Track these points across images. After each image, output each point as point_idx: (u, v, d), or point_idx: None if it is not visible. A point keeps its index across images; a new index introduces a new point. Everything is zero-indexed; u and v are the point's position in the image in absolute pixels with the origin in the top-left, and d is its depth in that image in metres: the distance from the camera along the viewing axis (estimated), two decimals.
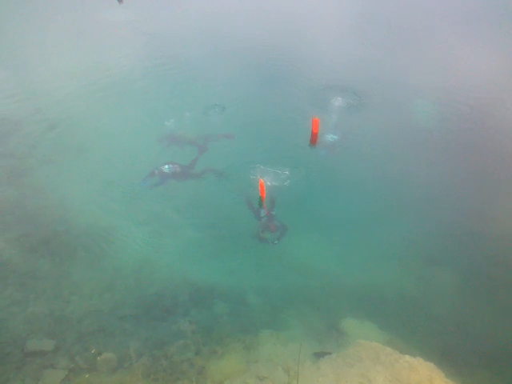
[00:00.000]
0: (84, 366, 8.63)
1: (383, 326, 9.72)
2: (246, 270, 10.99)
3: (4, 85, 16.66)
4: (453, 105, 16.63)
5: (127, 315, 9.64)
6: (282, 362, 8.88)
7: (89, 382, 8.37)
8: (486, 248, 11.46)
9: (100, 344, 9.02)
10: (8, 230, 11.31)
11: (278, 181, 12.96)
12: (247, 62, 19.33)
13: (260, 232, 11.57)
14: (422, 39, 21.47)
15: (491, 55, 19.72)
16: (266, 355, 9.01)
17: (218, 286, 10.53)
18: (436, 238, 11.85)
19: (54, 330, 9.23)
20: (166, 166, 13.25)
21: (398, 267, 11.17)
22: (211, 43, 20.56)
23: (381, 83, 17.94)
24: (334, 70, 18.74)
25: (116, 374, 8.50)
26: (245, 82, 18.13)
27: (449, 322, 9.92)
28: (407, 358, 8.76)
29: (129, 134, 14.49)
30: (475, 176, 13.64)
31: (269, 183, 12.73)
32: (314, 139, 14.80)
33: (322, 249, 11.50)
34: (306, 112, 15.42)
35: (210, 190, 12.92)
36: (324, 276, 10.91)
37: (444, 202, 12.78)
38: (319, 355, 8.99)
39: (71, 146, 14.19)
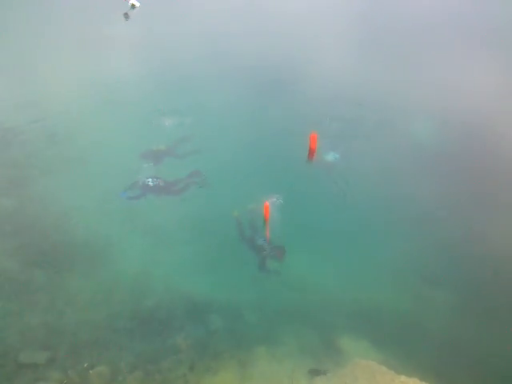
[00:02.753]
0: (76, 380, 8.53)
1: (379, 345, 9.66)
2: (242, 286, 10.95)
3: (6, 94, 16.76)
4: (456, 123, 16.70)
5: (122, 328, 9.57)
6: (277, 379, 8.82)
7: None
8: (484, 268, 11.43)
9: (93, 357, 8.94)
10: (5, 239, 11.29)
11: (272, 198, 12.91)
12: (247, 76, 19.50)
13: (263, 262, 11.30)
14: (429, 55, 21.61)
15: (499, 73, 19.82)
16: (260, 372, 8.95)
17: (214, 301, 10.47)
18: (434, 257, 11.84)
19: (48, 342, 9.17)
20: (150, 180, 13.20)
21: (395, 286, 11.15)
22: (212, 55, 20.79)
23: (384, 100, 18.03)
24: (336, 85, 18.86)
25: None
26: (240, 93, 18.29)
27: (445, 342, 9.86)
28: (403, 378, 8.71)
29: (128, 147, 14.52)
30: (475, 196, 13.66)
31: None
32: (311, 155, 14.80)
33: (319, 266, 11.48)
34: (303, 128, 15.40)
35: (201, 203, 12.91)
36: (320, 293, 10.87)
37: (443, 222, 12.79)
38: (314, 373, 8.92)
39: (71, 156, 14.20)
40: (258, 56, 20.82)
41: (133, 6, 23.72)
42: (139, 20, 23.49)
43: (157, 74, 19.11)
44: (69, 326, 9.54)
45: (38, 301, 10.02)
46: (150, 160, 14.00)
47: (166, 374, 8.75)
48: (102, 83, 18.02)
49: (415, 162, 14.98)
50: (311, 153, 14.75)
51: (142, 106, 16.97)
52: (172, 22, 23.65)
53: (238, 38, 22.40)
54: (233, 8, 26.21)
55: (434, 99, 18.00)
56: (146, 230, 12.06)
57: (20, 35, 21.31)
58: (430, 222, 12.80)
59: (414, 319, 10.37)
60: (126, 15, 23.48)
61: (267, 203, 11.98)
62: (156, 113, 16.40)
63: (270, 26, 24.34)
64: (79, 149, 14.60)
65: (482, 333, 9.97)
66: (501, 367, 9.28)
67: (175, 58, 20.49)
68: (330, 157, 14.80)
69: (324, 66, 20.11)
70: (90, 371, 8.71)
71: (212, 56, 20.89)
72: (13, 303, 9.85)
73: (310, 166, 14.86)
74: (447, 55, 21.45)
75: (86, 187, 13.17)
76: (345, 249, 12.00)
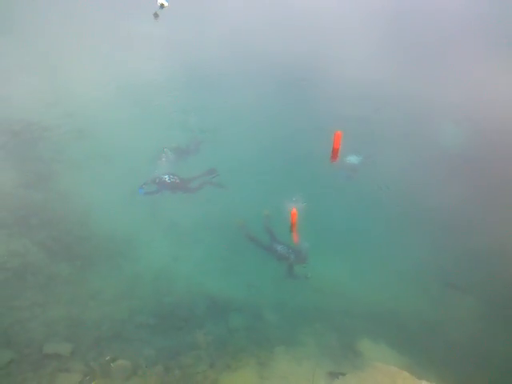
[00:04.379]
0: (98, 372, 8.68)
1: (401, 350, 9.53)
2: (262, 286, 10.96)
3: (35, 90, 17.13)
4: (485, 129, 16.38)
5: (143, 323, 9.68)
6: (296, 380, 8.79)
7: None
8: (510, 275, 11.19)
9: (115, 350, 9.07)
10: (32, 232, 11.53)
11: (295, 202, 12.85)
12: (271, 74, 19.51)
13: (290, 269, 11.16)
14: (463, 57, 21.22)
15: None
16: (279, 372, 8.92)
17: (234, 300, 10.51)
18: (459, 263, 11.64)
19: (71, 334, 9.32)
20: (167, 176, 13.30)
21: (419, 291, 10.99)
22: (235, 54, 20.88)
23: (411, 102, 17.80)
24: (361, 85, 18.70)
25: (130, 381, 8.53)
26: (264, 92, 18.31)
27: (469, 351, 9.69)
28: (424, 383, 8.57)
29: (150, 144, 14.68)
30: (502, 203, 13.36)
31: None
32: (335, 155, 14.64)
33: (341, 268, 11.38)
34: (326, 127, 15.32)
35: (219, 202, 12.99)
36: (341, 296, 10.80)
37: (469, 227, 12.57)
38: (334, 375, 8.86)
39: (95, 152, 14.44)
40: (282, 54, 20.80)
41: (162, 5, 23.97)
42: (168, 19, 23.71)
43: (182, 72, 19.31)
44: (92, 320, 9.69)
45: (63, 294, 10.22)
46: (169, 157, 14.09)
47: (186, 370, 8.80)
48: (128, 81, 18.28)
49: (441, 167, 14.74)
50: (335, 153, 14.61)
51: (165, 104, 17.15)
52: (200, 20, 23.85)
53: (264, 36, 22.42)
54: (260, 6, 26.35)
55: (464, 103, 17.69)
56: (167, 227, 12.19)
57: (48, 33, 21.77)
58: (456, 227, 12.60)
59: (437, 325, 10.21)
60: (156, 14, 23.77)
61: (294, 208, 11.88)
62: (179, 110, 16.58)
63: (295, 24, 24.35)
64: (103, 145, 14.84)
65: (508, 342, 9.75)
66: None
67: (201, 56, 20.63)
68: (354, 158, 14.64)
69: (350, 65, 19.98)
70: (112, 364, 8.83)
71: (237, 54, 21.02)
72: (38, 295, 10.06)
73: (333, 167, 14.77)
74: (481, 56, 21.02)
75: (110, 183, 13.39)
76: (367, 252, 11.88)
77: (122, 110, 16.64)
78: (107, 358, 8.94)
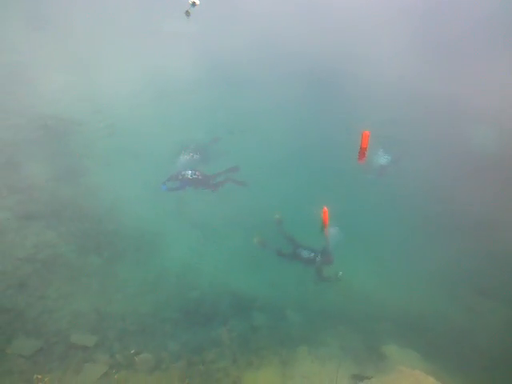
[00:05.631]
0: (123, 364, 8.79)
1: (427, 356, 9.32)
2: (286, 285, 10.91)
3: (68, 86, 17.54)
4: None
5: (168, 317, 9.77)
6: (319, 380, 8.70)
7: (126, 381, 8.51)
8: None
9: (140, 344, 9.18)
10: (63, 225, 11.79)
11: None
12: (300, 73, 19.46)
13: (319, 271, 11.03)
14: (501, 58, 20.72)
15: None
16: (302, 372, 8.86)
17: (258, 298, 10.49)
18: (489, 269, 11.31)
19: (98, 326, 9.48)
20: (190, 172, 13.34)
21: (447, 296, 10.75)
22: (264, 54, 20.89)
23: (442, 103, 17.47)
24: (392, 86, 18.46)
25: (153, 374, 8.61)
26: (292, 91, 18.23)
27: (498, 358, 9.39)
28: None
29: (177, 140, 14.83)
30: None
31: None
32: (362, 155, 14.44)
33: (367, 271, 11.21)
34: (354, 128, 15.16)
35: (242, 200, 13.03)
36: (367, 299, 10.61)
37: (500, 232, 12.19)
38: (358, 378, 8.74)
39: (125, 148, 14.71)
40: (310, 54, 20.74)
41: (193, 3, 24.22)
42: (199, 18, 23.93)
43: (211, 70, 19.45)
44: (117, 312, 9.83)
45: (90, 286, 10.40)
46: (192, 153, 14.18)
47: (209, 366, 8.83)
48: (158, 78, 18.55)
49: (472, 169, 14.38)
50: (362, 152, 14.41)
51: (193, 102, 17.31)
52: (230, 19, 24.02)
53: (293, 36, 22.39)
54: (291, 5, 26.32)
55: (498, 106, 17.22)
56: (192, 223, 12.27)
57: (81, 30, 22.26)
58: (487, 233, 12.25)
59: (466, 332, 9.95)
60: (187, 13, 24.03)
61: (326, 209, 11.78)
62: (206, 108, 16.68)
63: (325, 24, 24.23)
64: (132, 140, 15.12)
65: None
66: None
67: (230, 54, 20.75)
68: (382, 159, 14.42)
69: (380, 66, 19.74)
70: (136, 357, 8.94)
71: (265, 53, 21.06)
72: (67, 287, 10.27)
73: (360, 167, 14.58)
74: None
75: (137, 178, 13.58)
76: (394, 256, 11.69)
77: (151, 106, 16.91)
78: (132, 351, 9.05)
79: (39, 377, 8.39)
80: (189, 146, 14.41)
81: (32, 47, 20.35)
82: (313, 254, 11.18)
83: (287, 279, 11.05)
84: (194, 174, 13.32)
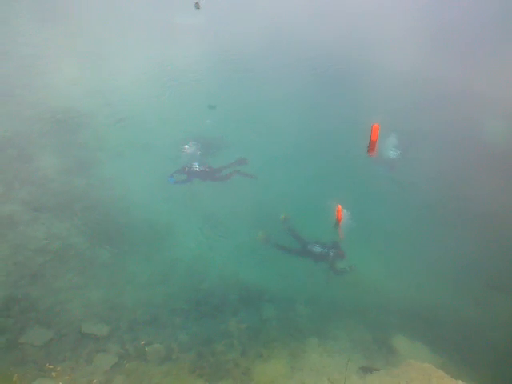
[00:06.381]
0: (133, 355, 8.89)
1: (436, 349, 9.32)
2: (296, 277, 10.92)
3: (79, 80, 17.61)
4: None
5: (178, 309, 9.85)
6: (328, 373, 8.73)
7: (136, 371, 8.61)
8: None
9: (150, 334, 9.27)
10: (75, 217, 11.90)
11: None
12: (310, 66, 19.34)
13: (332, 265, 10.98)
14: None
15: None
16: (311, 364, 8.90)
17: (268, 291, 10.51)
18: (499, 262, 11.23)
19: (109, 317, 9.59)
20: (197, 165, 13.32)
21: (457, 290, 10.68)
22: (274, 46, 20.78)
23: (453, 96, 17.28)
24: (402, 79, 18.28)
25: (163, 365, 8.69)
26: (302, 84, 18.14)
27: (508, 353, 9.33)
28: (460, 383, 8.34)
29: (186, 133, 14.87)
30: None
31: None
32: (372, 148, 14.35)
33: (377, 265, 11.17)
34: (364, 121, 15.05)
35: (251, 193, 13.04)
36: (377, 292, 10.60)
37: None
38: (367, 370, 8.75)
39: (137, 141, 14.77)
40: (319, 46, 20.61)
41: None
42: (209, 10, 23.86)
43: (221, 62, 19.41)
44: (128, 303, 9.93)
45: (101, 277, 10.50)
46: (201, 145, 14.22)
47: (218, 357, 8.90)
48: (169, 70, 18.58)
49: (484, 163, 14.22)
50: (372, 145, 14.33)
51: (202, 95, 17.34)
52: (239, 11, 23.90)
53: (302, 28, 22.25)
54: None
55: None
56: (202, 215, 12.31)
57: (93, 23, 22.32)
58: (497, 227, 12.13)
59: (476, 326, 9.90)
60: (197, 5, 23.97)
61: (340, 207, 11.76)
62: (215, 101, 16.69)
63: (334, 15, 24.04)
64: (142, 133, 15.18)
65: None
66: None
67: (240, 46, 20.69)
68: (391, 153, 14.32)
69: (392, 58, 19.54)
70: (146, 348, 9.03)
71: (274, 46, 20.95)
72: (79, 277, 10.38)
73: (370, 160, 14.50)
74: None
75: (148, 170, 13.65)
76: (404, 249, 11.62)
77: (161, 99, 16.95)
78: (142, 342, 9.14)
79: (51, 366, 8.51)
80: (197, 138, 14.41)
81: (45, 40, 20.48)
82: (325, 250, 11.14)
83: (297, 271, 11.05)
84: (202, 167, 13.34)
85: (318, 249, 11.22)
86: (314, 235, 11.54)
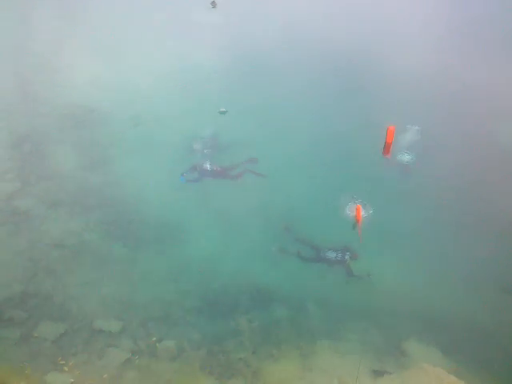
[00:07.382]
0: (145, 351, 8.95)
1: (449, 353, 9.19)
2: (308, 278, 10.87)
3: (93, 77, 17.75)
4: None
5: (190, 307, 9.89)
6: (339, 374, 8.69)
7: (148, 367, 8.66)
8: None
9: (162, 331, 9.33)
10: (89, 213, 12.00)
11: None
12: (326, 65, 19.29)
13: (348, 270, 10.86)
14: None
15: None
16: (322, 365, 8.86)
17: (279, 291, 10.49)
18: None
19: (121, 313, 9.67)
20: (208, 164, 13.35)
21: (472, 294, 10.53)
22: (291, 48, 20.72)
23: (470, 101, 17.05)
24: (420, 81, 18.11)
25: (175, 362, 8.75)
26: (316, 83, 18.11)
27: None
28: None
29: (199, 131, 14.89)
30: None
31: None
32: (387, 150, 14.24)
33: (390, 268, 11.05)
34: (378, 120, 14.94)
35: (263, 193, 13.02)
36: (390, 295, 10.48)
37: None
38: (378, 373, 8.70)
39: (151, 139, 14.84)
40: (334, 45, 20.49)
41: None
42: (225, 7, 23.88)
43: (236, 61, 19.39)
44: (141, 300, 10.00)
45: (114, 273, 10.58)
46: (213, 144, 14.23)
47: (229, 355, 8.92)
48: (184, 69, 18.65)
49: (500, 168, 14.02)
50: (387, 147, 14.22)
51: (216, 92, 17.36)
52: (256, 10, 23.89)
53: (320, 25, 22.16)
54: None
55: None
56: (214, 214, 12.30)
57: (109, 20, 22.48)
58: None
59: (489, 331, 9.74)
60: (213, 3, 23.98)
61: (359, 206, 11.73)
62: (228, 99, 16.71)
63: (349, 14, 23.89)
64: (157, 131, 15.22)
65: None
66: None
67: (255, 45, 20.66)
68: (406, 157, 14.18)
69: (410, 59, 19.34)
70: (157, 344, 9.09)
71: (289, 45, 20.87)
72: (92, 273, 10.48)
73: (384, 164, 14.37)
74: None
75: (162, 167, 13.70)
76: (418, 253, 11.48)
77: (175, 97, 17.03)
78: (154, 338, 9.19)
79: (63, 362, 8.61)
80: (209, 136, 14.45)
81: (60, 37, 20.67)
82: (340, 255, 11.03)
83: (309, 272, 11.00)
84: (213, 166, 13.37)
85: (331, 254, 11.11)
86: (328, 237, 11.48)
